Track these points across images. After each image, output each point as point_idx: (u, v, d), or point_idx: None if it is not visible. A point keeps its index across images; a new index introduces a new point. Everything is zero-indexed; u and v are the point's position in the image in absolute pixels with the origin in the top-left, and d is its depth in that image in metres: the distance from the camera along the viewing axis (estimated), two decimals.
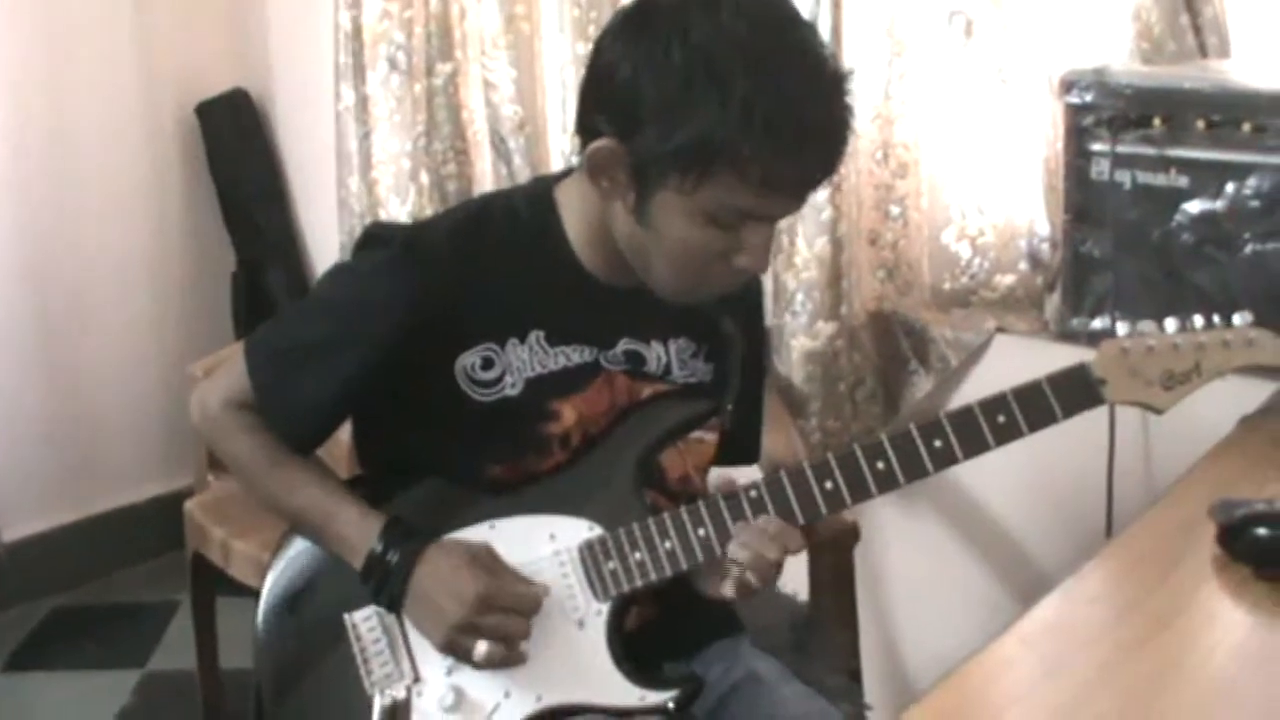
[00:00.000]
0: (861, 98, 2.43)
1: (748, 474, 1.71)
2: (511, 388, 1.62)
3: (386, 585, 1.60)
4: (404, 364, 1.62)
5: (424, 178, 3.06)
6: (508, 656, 1.58)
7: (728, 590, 1.57)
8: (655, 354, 1.70)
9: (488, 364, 1.62)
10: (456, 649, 1.59)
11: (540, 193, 1.68)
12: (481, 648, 1.57)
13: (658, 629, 1.70)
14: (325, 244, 3.57)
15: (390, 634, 1.65)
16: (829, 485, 1.57)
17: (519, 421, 1.63)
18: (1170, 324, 1.57)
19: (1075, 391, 1.56)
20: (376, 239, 1.68)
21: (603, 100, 1.53)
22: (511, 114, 2.94)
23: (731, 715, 1.74)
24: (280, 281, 3.69)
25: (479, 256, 1.62)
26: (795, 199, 1.56)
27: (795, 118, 1.45)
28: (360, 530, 1.62)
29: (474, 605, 1.56)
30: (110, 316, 3.62)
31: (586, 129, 1.55)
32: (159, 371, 3.65)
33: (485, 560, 1.60)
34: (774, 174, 1.47)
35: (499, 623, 1.58)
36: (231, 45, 3.73)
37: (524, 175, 2.92)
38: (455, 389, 1.62)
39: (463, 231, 1.65)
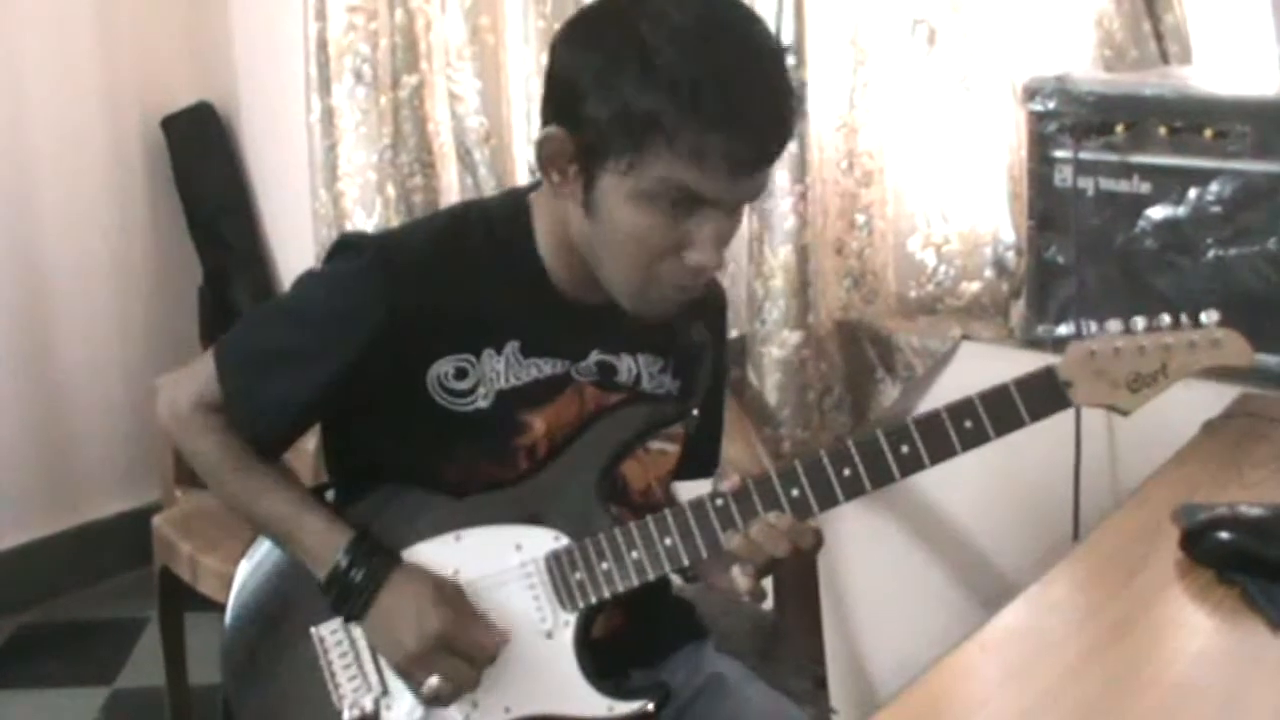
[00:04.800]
0: (826, 107, 2.47)
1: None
2: (483, 399, 1.62)
3: (348, 600, 1.60)
4: (375, 371, 1.60)
5: (390, 190, 3.06)
6: (454, 694, 1.59)
7: (739, 584, 1.57)
8: (626, 365, 1.70)
9: (461, 374, 1.61)
10: (406, 677, 1.60)
11: (515, 203, 1.67)
12: (432, 681, 1.57)
13: (624, 637, 1.69)
14: (292, 256, 3.57)
15: (357, 646, 1.64)
16: (795, 493, 1.56)
17: (489, 433, 1.63)
18: (1138, 323, 1.56)
19: (1042, 395, 1.55)
20: (349, 247, 1.67)
21: (549, 96, 1.55)
22: (477, 125, 2.94)
23: (697, 716, 1.74)
24: (246, 295, 3.67)
25: (455, 266, 1.61)
26: (733, 178, 1.49)
27: (721, 88, 1.44)
28: (325, 542, 1.61)
29: (433, 643, 1.56)
30: (76, 331, 3.60)
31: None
32: (125, 387, 3.64)
33: (453, 599, 1.60)
34: (704, 146, 1.45)
35: (453, 667, 1.58)
36: (196, 59, 3.72)
37: (490, 187, 2.92)
38: (425, 396, 1.61)
39: (439, 240, 1.64)
